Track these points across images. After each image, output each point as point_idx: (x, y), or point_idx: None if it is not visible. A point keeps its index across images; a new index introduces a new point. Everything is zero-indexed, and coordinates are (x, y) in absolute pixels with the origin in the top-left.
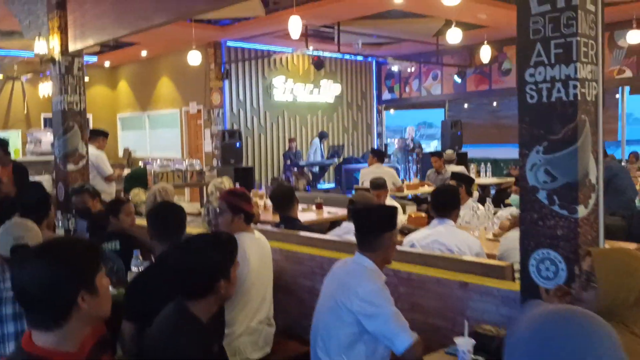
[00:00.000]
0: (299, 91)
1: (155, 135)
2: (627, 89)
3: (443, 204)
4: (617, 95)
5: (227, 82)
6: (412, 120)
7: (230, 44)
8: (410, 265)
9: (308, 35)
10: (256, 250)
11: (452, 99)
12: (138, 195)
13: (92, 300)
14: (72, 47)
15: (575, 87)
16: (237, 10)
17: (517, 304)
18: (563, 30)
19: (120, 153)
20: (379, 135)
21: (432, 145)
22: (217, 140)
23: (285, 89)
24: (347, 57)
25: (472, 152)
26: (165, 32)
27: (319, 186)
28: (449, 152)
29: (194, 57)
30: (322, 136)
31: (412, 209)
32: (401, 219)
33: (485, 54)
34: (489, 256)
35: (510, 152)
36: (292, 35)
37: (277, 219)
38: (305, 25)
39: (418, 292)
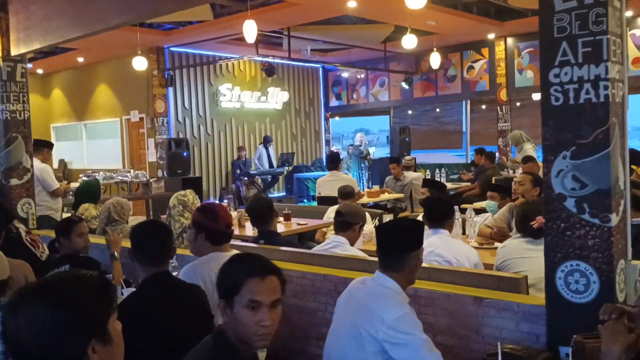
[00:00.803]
0: (247, 98)
1: (93, 146)
2: None
3: (437, 213)
4: None
5: (171, 89)
6: (350, 127)
7: (174, 49)
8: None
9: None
10: (215, 270)
11: (400, 105)
12: (88, 210)
13: (104, 351)
14: (15, 51)
15: (606, 87)
16: (184, 13)
17: (540, 319)
18: (592, 28)
19: (56, 164)
20: (327, 142)
21: (371, 152)
22: (162, 150)
23: (233, 96)
24: (294, 63)
25: (419, 157)
26: (106, 37)
27: (270, 195)
28: (408, 158)
29: (140, 63)
30: (267, 141)
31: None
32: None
33: (435, 60)
34: (485, 267)
35: (453, 157)
36: (247, 40)
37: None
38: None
39: (426, 309)
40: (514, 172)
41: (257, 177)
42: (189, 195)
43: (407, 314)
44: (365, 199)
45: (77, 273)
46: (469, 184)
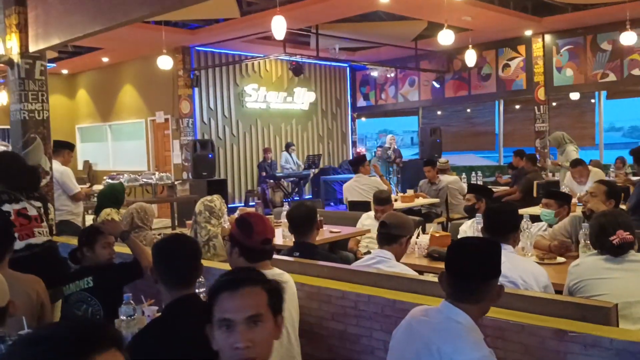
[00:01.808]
0: (272, 99)
1: (118, 147)
2: (603, 93)
3: (501, 226)
4: (593, 100)
5: (196, 90)
6: (374, 128)
7: (199, 48)
8: None
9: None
10: None
11: (430, 105)
12: (110, 215)
13: None
14: (33, 47)
15: None
16: (211, 11)
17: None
18: None
19: (80, 166)
20: (354, 143)
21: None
22: (187, 152)
23: (258, 97)
24: (321, 63)
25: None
26: (131, 36)
27: (295, 199)
28: (443, 160)
29: (165, 62)
30: (288, 146)
31: (431, 226)
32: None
33: (470, 57)
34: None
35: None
36: (276, 37)
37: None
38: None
39: (494, 342)
40: (553, 175)
41: (283, 179)
42: (216, 200)
43: (487, 357)
44: (399, 204)
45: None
46: (506, 187)
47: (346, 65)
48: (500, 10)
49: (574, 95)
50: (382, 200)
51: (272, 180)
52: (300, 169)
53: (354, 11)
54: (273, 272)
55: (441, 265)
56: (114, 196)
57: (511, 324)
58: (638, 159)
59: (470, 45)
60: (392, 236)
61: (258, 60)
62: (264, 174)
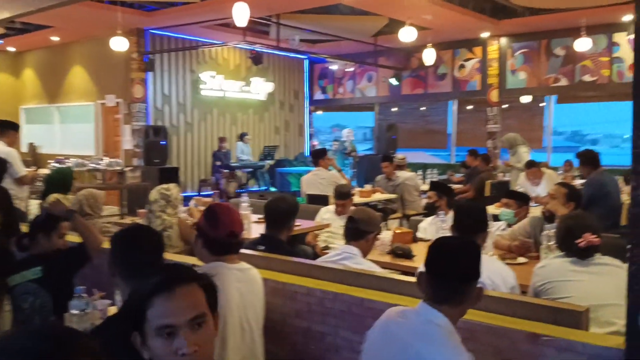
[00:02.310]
0: (229, 87)
1: (65, 130)
2: (554, 98)
3: (470, 224)
4: (542, 104)
5: (150, 74)
6: (327, 122)
7: (154, 32)
8: None
9: (239, 27)
10: (232, 284)
11: (387, 101)
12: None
13: None
14: None
15: None
16: None
17: None
18: None
19: (24, 148)
20: (310, 136)
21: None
22: (138, 138)
23: (215, 84)
24: (280, 53)
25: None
26: (83, 15)
27: (250, 190)
28: (400, 156)
29: (119, 43)
30: (243, 136)
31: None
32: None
33: (429, 56)
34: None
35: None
36: (238, 24)
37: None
38: None
39: (466, 344)
40: (504, 175)
41: (238, 170)
42: (173, 189)
43: None
44: (357, 199)
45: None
46: (459, 186)
47: (305, 57)
48: (461, 11)
49: (525, 99)
50: (343, 194)
51: (226, 170)
52: (252, 159)
53: (317, 2)
54: (240, 267)
55: (404, 262)
56: (62, 181)
57: (483, 325)
58: (584, 162)
59: (429, 44)
60: (360, 231)
61: (216, 48)
62: (218, 163)
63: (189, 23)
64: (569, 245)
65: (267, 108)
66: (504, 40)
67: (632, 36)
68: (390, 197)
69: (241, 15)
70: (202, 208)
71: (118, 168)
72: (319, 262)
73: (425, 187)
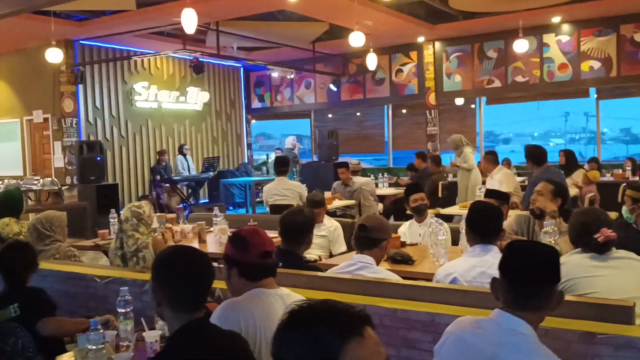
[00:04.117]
0: (164, 98)
1: None
2: (483, 99)
3: (487, 225)
4: (473, 105)
5: (81, 87)
6: (260, 130)
7: (84, 42)
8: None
9: (174, 35)
10: (277, 313)
11: (326, 108)
12: (9, 226)
13: None
14: None
15: None
16: (104, 2)
17: None
18: None
19: None
20: (249, 146)
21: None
22: (71, 154)
23: (149, 95)
24: (214, 62)
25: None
26: (5, 26)
27: (194, 203)
28: (354, 162)
29: (54, 55)
30: (182, 148)
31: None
32: None
33: (372, 61)
34: None
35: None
36: (187, 30)
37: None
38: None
39: None
40: (454, 176)
41: (180, 183)
42: (145, 206)
43: None
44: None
45: None
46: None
47: (240, 65)
48: (398, 16)
49: (459, 101)
50: (317, 203)
51: (167, 185)
52: (195, 172)
53: (260, 8)
54: (280, 292)
55: (405, 268)
56: (10, 204)
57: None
58: (531, 156)
59: (371, 49)
60: (372, 240)
61: (148, 57)
62: (158, 177)
63: (123, 32)
64: (586, 241)
65: (203, 118)
66: (438, 45)
67: (562, 37)
68: (348, 204)
69: (189, 22)
70: (170, 226)
71: (54, 188)
72: (337, 274)
73: (383, 191)
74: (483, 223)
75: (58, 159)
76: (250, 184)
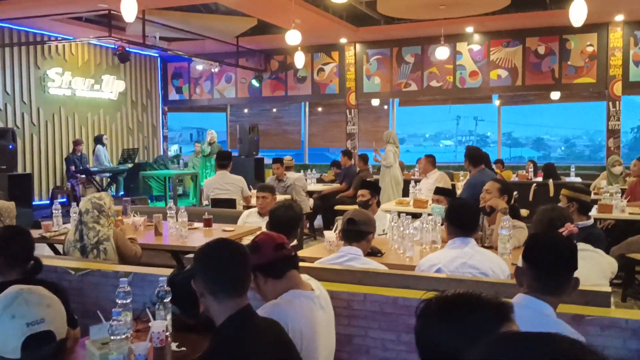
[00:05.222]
0: (79, 85)
1: None
2: (397, 101)
3: (466, 220)
4: (386, 107)
5: None
6: (180, 123)
7: None
8: None
9: (92, 21)
10: (306, 315)
11: (247, 103)
12: None
13: None
14: None
15: None
16: None
17: None
18: None
19: None
20: (165, 138)
21: (172, 150)
22: None
23: (63, 82)
24: (131, 50)
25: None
26: None
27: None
28: (288, 158)
29: None
30: (101, 138)
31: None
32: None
33: (299, 59)
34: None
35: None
36: (126, 19)
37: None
38: (109, 10)
39: None
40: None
41: (96, 175)
42: (105, 198)
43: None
44: (253, 202)
45: None
46: (335, 185)
47: (157, 55)
48: (326, 16)
49: (374, 102)
50: (267, 187)
51: (83, 176)
52: (109, 163)
53: (192, 0)
54: (311, 295)
55: (375, 259)
56: None
57: None
58: (469, 157)
59: (299, 48)
60: (360, 232)
61: (63, 43)
62: (73, 168)
63: (42, 15)
64: None
65: (119, 108)
66: (359, 47)
67: (473, 46)
68: (283, 199)
69: (129, 10)
70: (120, 218)
71: None
72: (329, 264)
73: (311, 187)
74: (463, 218)
75: None
76: (172, 177)
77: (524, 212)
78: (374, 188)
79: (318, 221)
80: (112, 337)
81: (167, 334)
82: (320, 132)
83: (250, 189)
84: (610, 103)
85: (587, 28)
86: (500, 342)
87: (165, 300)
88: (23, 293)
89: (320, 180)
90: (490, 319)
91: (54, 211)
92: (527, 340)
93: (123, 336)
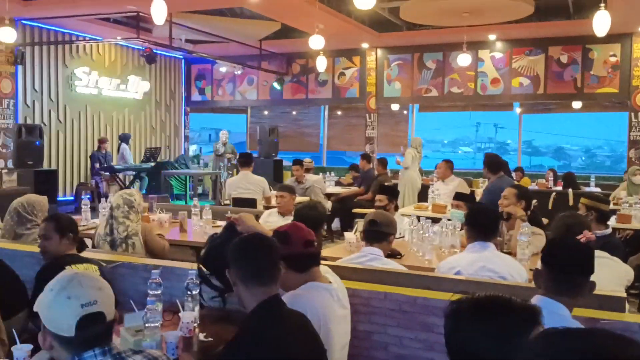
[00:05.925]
0: (105, 85)
1: None
2: (416, 106)
3: (486, 224)
4: (406, 112)
5: (20, 68)
6: (201, 124)
7: (26, 22)
8: None
9: (121, 22)
10: (323, 306)
11: (269, 105)
12: None
13: None
14: None
15: None
16: None
17: None
18: None
19: None
20: (186, 138)
21: (192, 150)
22: (6, 137)
23: (90, 81)
24: (157, 52)
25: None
26: None
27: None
28: (307, 160)
29: (6, 34)
30: (128, 137)
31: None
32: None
33: (321, 63)
34: None
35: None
36: (156, 22)
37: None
38: (137, 12)
39: None
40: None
41: (120, 172)
42: (136, 194)
43: None
44: (274, 203)
45: None
46: (351, 188)
47: (181, 57)
48: (349, 22)
49: (394, 106)
50: (286, 187)
51: (107, 173)
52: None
53: (221, 4)
54: (329, 287)
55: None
56: None
57: None
58: (489, 163)
59: (321, 52)
60: (382, 234)
61: (91, 43)
62: (97, 165)
63: (71, 16)
64: None
65: (143, 108)
66: (380, 52)
67: (495, 53)
68: (302, 200)
69: (159, 12)
70: (146, 214)
71: None
72: (350, 263)
73: (329, 189)
74: (483, 222)
75: None
76: (193, 176)
77: (543, 220)
78: (392, 193)
79: (335, 224)
80: (146, 325)
81: (196, 324)
82: (339, 135)
83: (270, 189)
84: (633, 114)
85: (610, 38)
86: (548, 337)
87: (193, 292)
88: (78, 276)
89: (338, 183)
90: (522, 323)
91: (82, 206)
92: (572, 336)
93: (157, 324)
